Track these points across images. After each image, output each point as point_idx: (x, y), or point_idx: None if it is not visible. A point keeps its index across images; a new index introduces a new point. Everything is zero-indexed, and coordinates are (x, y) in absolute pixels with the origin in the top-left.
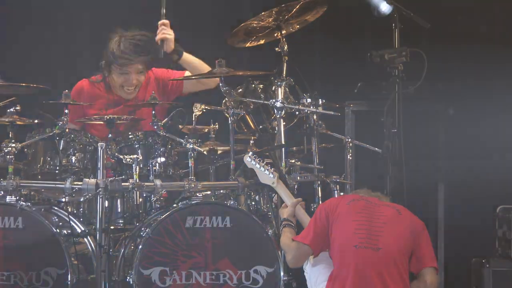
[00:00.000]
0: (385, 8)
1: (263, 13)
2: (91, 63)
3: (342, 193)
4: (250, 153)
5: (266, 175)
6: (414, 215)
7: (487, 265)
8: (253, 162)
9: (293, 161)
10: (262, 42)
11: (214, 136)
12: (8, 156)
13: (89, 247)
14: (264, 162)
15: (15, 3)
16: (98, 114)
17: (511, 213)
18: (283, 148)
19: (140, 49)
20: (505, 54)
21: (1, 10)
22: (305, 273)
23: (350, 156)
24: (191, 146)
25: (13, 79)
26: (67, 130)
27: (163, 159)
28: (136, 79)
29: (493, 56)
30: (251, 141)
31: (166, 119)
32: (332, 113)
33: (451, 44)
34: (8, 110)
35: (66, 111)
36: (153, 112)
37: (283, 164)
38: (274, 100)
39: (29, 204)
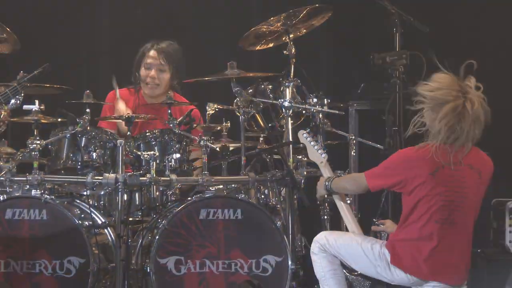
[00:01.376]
0: None
1: (272, 18)
2: (111, 66)
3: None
4: (308, 129)
5: (317, 153)
6: (488, 162)
7: (482, 255)
8: (308, 139)
9: (300, 157)
10: (271, 45)
11: (226, 133)
12: (33, 152)
13: (109, 237)
14: (318, 141)
15: (43, 9)
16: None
17: (505, 205)
18: (290, 145)
19: (170, 56)
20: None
21: (29, 16)
22: (313, 262)
23: (353, 153)
24: (205, 143)
25: (38, 80)
26: (88, 128)
27: (178, 155)
28: (157, 75)
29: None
30: (261, 138)
31: (181, 118)
32: (336, 112)
33: (449, 48)
34: (33, 109)
35: (88, 110)
36: (169, 111)
37: (291, 159)
38: (282, 100)
39: (53, 197)
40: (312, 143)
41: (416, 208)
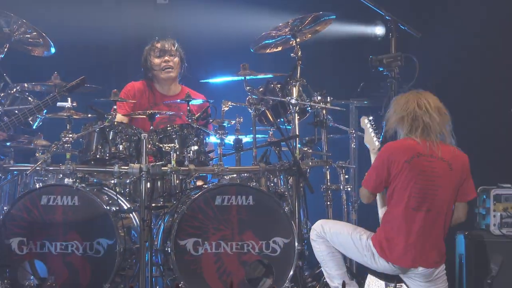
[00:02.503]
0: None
1: (280, 24)
2: (135, 68)
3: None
4: (371, 117)
5: (372, 140)
6: (461, 157)
7: (469, 237)
8: (368, 125)
9: (305, 149)
10: (279, 48)
11: (239, 127)
12: (66, 145)
13: (134, 221)
14: (376, 130)
15: (74, 16)
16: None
17: (489, 193)
18: (297, 138)
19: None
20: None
21: (61, 21)
22: (313, 248)
23: (353, 145)
24: (219, 137)
25: (71, 80)
26: (115, 123)
27: (196, 147)
28: (171, 59)
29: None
30: (271, 132)
31: (199, 114)
32: (338, 108)
33: (438, 50)
34: (66, 106)
35: (115, 107)
36: (188, 108)
37: (297, 151)
38: (289, 98)
39: (83, 185)
40: (371, 130)
41: (393, 196)
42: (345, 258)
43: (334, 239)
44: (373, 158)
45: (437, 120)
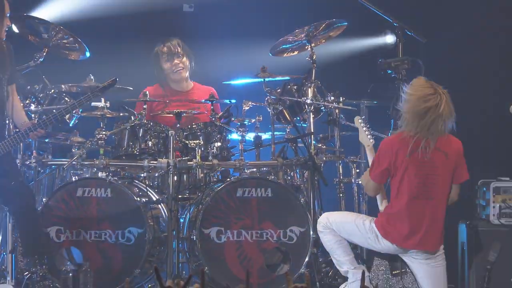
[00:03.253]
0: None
1: (296, 30)
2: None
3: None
4: (363, 116)
5: (366, 138)
6: (455, 143)
7: (470, 226)
8: (362, 124)
9: (319, 145)
10: (296, 53)
11: (258, 126)
12: (99, 141)
13: (162, 211)
14: (369, 128)
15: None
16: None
17: (489, 185)
18: (312, 135)
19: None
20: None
21: (95, 27)
22: (321, 239)
23: None
24: (241, 134)
25: (104, 81)
26: (145, 121)
27: (219, 144)
28: (180, 60)
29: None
30: (287, 130)
31: (222, 113)
32: (350, 108)
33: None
34: (100, 106)
35: (145, 106)
36: (212, 107)
37: (312, 147)
38: (305, 98)
39: (116, 178)
40: (365, 128)
41: (398, 187)
42: (356, 246)
43: (340, 228)
44: (369, 154)
45: (446, 125)
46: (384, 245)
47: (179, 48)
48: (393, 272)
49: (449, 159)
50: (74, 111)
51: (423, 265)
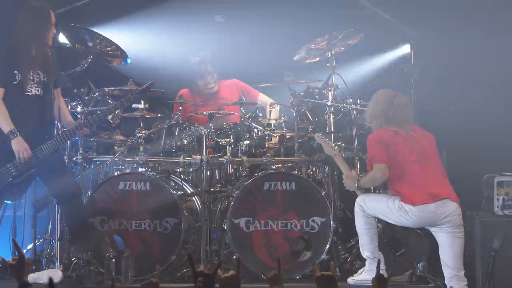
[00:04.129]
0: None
1: (318, 39)
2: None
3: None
4: (321, 132)
5: (331, 148)
6: (429, 135)
7: (477, 217)
8: (323, 138)
9: (339, 143)
10: (317, 59)
11: (284, 125)
12: (139, 140)
13: (196, 203)
14: (328, 139)
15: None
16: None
17: (494, 179)
18: (332, 134)
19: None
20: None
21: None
22: (355, 216)
23: None
24: (268, 133)
25: (143, 85)
26: (180, 121)
27: (247, 142)
28: (211, 77)
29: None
30: (310, 129)
31: (249, 114)
32: (365, 109)
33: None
34: (140, 107)
35: (180, 108)
36: (241, 108)
37: (333, 144)
38: (326, 100)
39: (154, 173)
40: (327, 139)
41: (395, 162)
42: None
43: (375, 208)
44: (338, 161)
45: (408, 114)
46: (414, 219)
47: (209, 66)
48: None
49: (427, 137)
50: (116, 112)
51: (448, 234)
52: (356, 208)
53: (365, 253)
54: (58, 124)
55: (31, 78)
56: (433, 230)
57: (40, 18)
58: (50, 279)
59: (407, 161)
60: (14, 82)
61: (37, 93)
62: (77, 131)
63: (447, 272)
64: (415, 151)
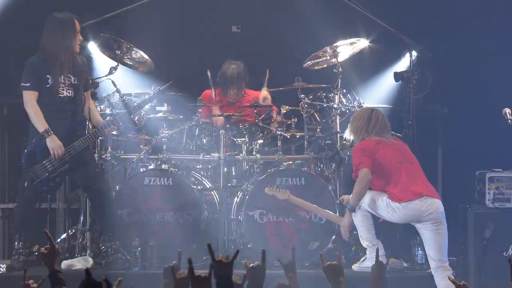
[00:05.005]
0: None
1: (325, 47)
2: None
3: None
4: (269, 186)
5: (282, 192)
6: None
7: (470, 209)
8: (272, 190)
9: (344, 142)
10: (325, 66)
11: (294, 126)
12: (163, 139)
13: (214, 197)
14: (278, 189)
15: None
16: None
17: (485, 176)
18: (338, 134)
19: (239, 76)
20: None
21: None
22: (353, 218)
23: None
24: (279, 133)
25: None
26: (200, 122)
27: (261, 141)
28: (234, 92)
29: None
30: (318, 129)
31: (263, 115)
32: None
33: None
34: (163, 109)
35: (200, 110)
36: (255, 111)
37: (338, 143)
38: (332, 103)
39: (176, 169)
40: (275, 189)
41: (382, 166)
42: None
43: (369, 205)
44: (295, 201)
45: (386, 124)
46: (400, 215)
47: (237, 78)
48: None
49: (404, 144)
50: (142, 113)
51: (431, 231)
52: None
53: (364, 243)
54: (89, 124)
55: (62, 81)
56: (417, 226)
57: (65, 27)
58: (87, 270)
59: (393, 164)
60: (47, 86)
61: (69, 95)
62: (105, 129)
63: (432, 263)
64: (399, 154)
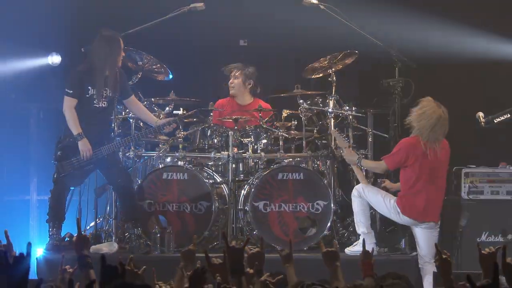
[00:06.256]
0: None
1: (321, 58)
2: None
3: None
4: (337, 128)
5: (344, 141)
6: (446, 146)
7: (448, 200)
8: (337, 133)
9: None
10: (321, 75)
11: (294, 127)
12: (179, 139)
13: (224, 190)
14: (343, 134)
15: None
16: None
17: (461, 171)
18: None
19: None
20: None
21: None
22: (352, 200)
23: (370, 139)
24: (281, 133)
25: (182, 95)
26: (212, 124)
27: (265, 141)
28: (233, 81)
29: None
30: (315, 130)
31: (267, 118)
32: (360, 115)
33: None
34: (179, 114)
35: (211, 114)
36: (260, 115)
37: (333, 143)
38: (327, 107)
39: (190, 165)
40: (343, 135)
41: (414, 175)
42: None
43: (372, 199)
44: (348, 153)
45: (445, 132)
46: (402, 219)
47: (236, 72)
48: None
49: (446, 156)
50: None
51: (426, 232)
52: (355, 193)
53: (360, 229)
54: (141, 123)
55: (100, 93)
56: (413, 228)
57: (112, 45)
58: (103, 256)
59: (420, 179)
60: (87, 96)
61: (103, 106)
62: (165, 127)
63: (420, 259)
64: (430, 173)
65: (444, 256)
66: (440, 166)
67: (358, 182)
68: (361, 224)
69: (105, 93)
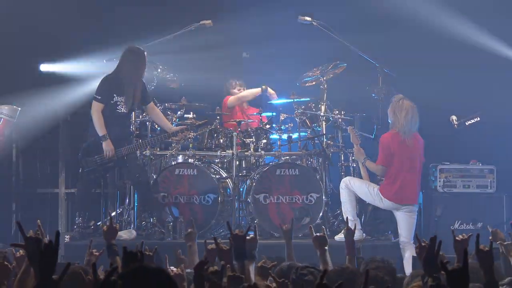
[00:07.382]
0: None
1: (314, 68)
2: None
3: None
4: (352, 126)
5: (356, 138)
6: (420, 139)
7: (424, 192)
8: (355, 130)
9: (329, 141)
10: (314, 83)
11: (290, 129)
12: (189, 139)
13: (229, 184)
14: (358, 133)
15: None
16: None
17: (436, 167)
18: (324, 135)
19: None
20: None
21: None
22: (340, 191)
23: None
24: (279, 134)
25: (192, 100)
26: (217, 126)
27: (265, 141)
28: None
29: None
30: (308, 132)
31: (266, 122)
32: (349, 118)
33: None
34: (189, 117)
35: (218, 117)
36: (260, 117)
37: (324, 143)
38: (319, 112)
39: (199, 162)
40: (358, 133)
41: (394, 163)
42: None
43: (357, 190)
44: (356, 151)
45: (416, 121)
46: (385, 203)
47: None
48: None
49: (420, 146)
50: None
51: (406, 216)
52: (342, 185)
53: (348, 216)
54: (156, 125)
55: (124, 101)
56: (395, 212)
57: (139, 59)
58: (124, 248)
59: (402, 167)
60: (111, 102)
61: (125, 111)
62: (177, 134)
63: (401, 240)
64: (410, 162)
65: (423, 244)
66: (415, 154)
67: (346, 174)
68: (348, 213)
69: (129, 100)
